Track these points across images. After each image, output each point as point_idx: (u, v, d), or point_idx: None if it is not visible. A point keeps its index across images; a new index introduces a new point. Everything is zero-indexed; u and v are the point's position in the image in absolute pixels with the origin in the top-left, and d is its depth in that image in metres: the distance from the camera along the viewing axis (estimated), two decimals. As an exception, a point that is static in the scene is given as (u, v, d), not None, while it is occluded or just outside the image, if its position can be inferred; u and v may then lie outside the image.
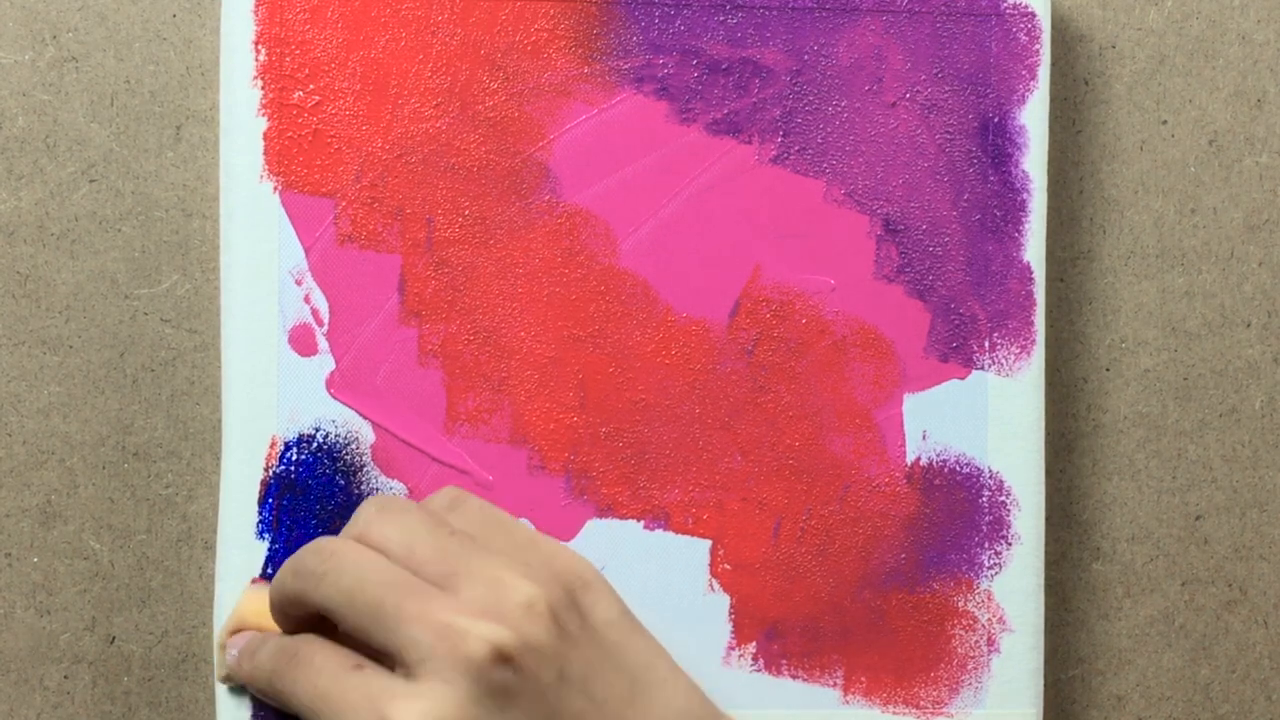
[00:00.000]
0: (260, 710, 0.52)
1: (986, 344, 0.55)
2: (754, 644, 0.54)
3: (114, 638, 0.55)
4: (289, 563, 0.48)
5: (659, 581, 0.54)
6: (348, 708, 0.44)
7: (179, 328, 0.55)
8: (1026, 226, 0.55)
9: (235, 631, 0.51)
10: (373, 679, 0.45)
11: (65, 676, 0.55)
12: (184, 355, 0.55)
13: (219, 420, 0.54)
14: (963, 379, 0.55)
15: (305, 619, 0.48)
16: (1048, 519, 0.57)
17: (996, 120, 0.55)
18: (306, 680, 0.46)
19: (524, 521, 0.52)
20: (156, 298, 0.55)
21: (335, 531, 0.52)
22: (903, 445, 0.55)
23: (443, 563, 0.46)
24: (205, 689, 0.55)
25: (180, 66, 0.55)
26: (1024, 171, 0.55)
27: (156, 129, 0.55)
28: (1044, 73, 0.55)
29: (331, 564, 0.47)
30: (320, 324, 0.53)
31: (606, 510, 0.54)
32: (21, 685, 0.54)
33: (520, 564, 0.47)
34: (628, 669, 0.47)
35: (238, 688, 0.52)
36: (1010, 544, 0.55)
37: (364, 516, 0.48)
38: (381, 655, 0.46)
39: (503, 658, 0.44)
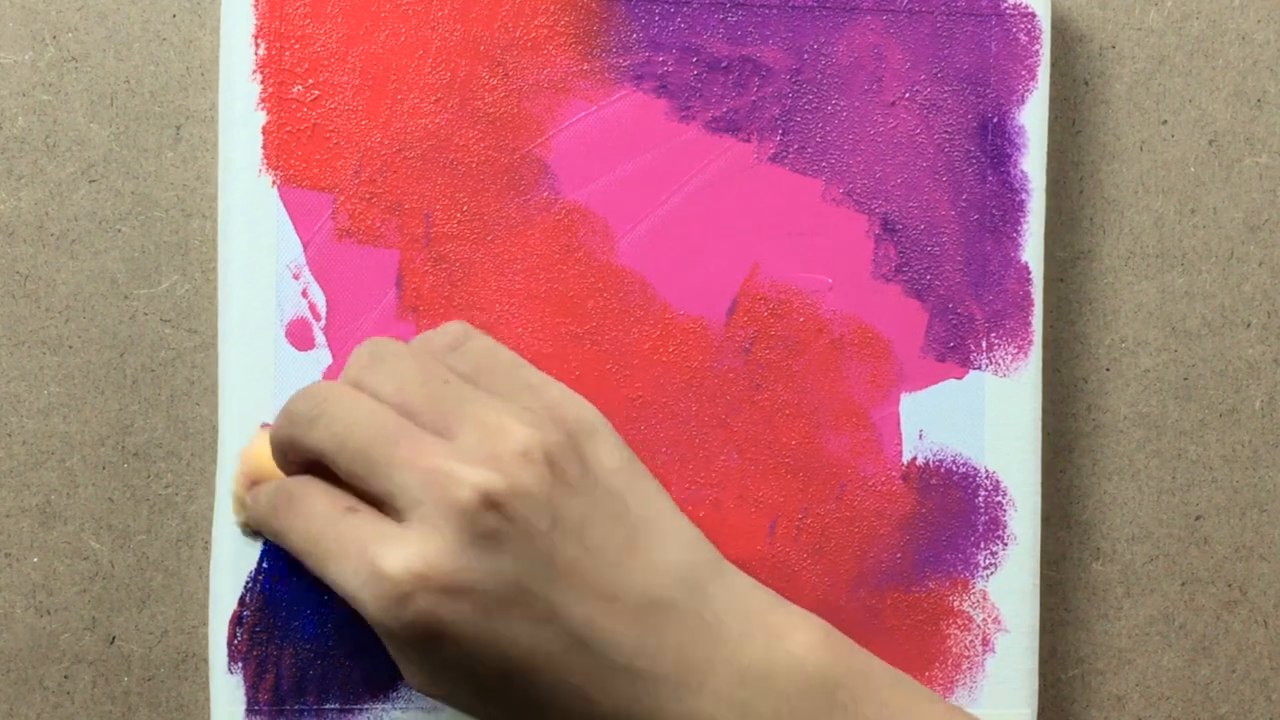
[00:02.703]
0: (255, 705, 0.52)
1: (984, 344, 0.55)
2: (751, 643, 0.54)
3: (114, 638, 0.55)
4: (283, 408, 0.48)
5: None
6: (338, 549, 0.44)
7: (179, 328, 0.55)
8: (1025, 227, 0.55)
9: (254, 481, 0.51)
10: (363, 523, 0.44)
11: (65, 676, 0.55)
12: (184, 355, 0.55)
13: (219, 420, 0.54)
14: (960, 379, 0.55)
15: (304, 464, 0.48)
16: (1047, 519, 0.57)
17: (996, 120, 0.55)
18: (300, 522, 0.46)
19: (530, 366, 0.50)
20: (156, 298, 0.55)
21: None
22: (899, 445, 0.54)
23: (437, 410, 0.46)
24: (205, 689, 0.55)
25: (180, 66, 0.55)
26: (1023, 171, 0.55)
27: (156, 129, 0.55)
28: (1044, 73, 0.55)
29: (323, 409, 0.46)
30: (318, 319, 0.53)
31: (604, 508, 0.54)
32: (21, 685, 0.54)
33: (521, 409, 0.46)
34: (628, 518, 0.46)
35: (233, 678, 0.52)
36: (1006, 544, 0.54)
37: (357, 362, 0.48)
38: (378, 501, 0.45)
39: (491, 503, 0.43)
